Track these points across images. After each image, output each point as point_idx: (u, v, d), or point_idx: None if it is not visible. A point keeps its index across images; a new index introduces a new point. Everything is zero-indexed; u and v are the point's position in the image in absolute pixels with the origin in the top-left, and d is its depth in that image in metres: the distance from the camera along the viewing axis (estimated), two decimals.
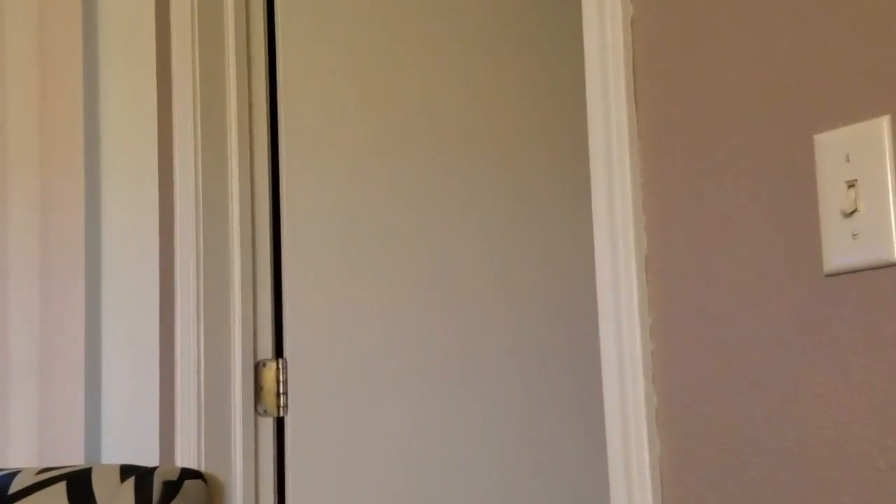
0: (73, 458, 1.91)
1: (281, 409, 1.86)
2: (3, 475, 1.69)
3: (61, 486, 1.63)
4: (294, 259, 1.88)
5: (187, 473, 1.69)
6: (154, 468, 1.67)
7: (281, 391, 1.86)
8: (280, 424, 1.87)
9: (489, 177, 2.02)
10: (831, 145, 0.98)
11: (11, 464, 2.03)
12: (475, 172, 2.01)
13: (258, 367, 1.86)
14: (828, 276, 0.98)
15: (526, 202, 2.04)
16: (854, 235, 0.95)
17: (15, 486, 1.64)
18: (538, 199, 2.05)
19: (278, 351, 1.88)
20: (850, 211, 0.96)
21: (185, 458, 1.79)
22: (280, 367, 1.86)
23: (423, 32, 2.00)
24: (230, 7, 1.88)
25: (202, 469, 1.77)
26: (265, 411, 1.85)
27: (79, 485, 1.63)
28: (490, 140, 2.02)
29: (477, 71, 2.03)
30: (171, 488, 1.63)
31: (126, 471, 1.66)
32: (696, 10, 1.11)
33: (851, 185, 0.96)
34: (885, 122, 0.93)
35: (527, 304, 2.02)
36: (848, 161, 0.96)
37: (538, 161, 2.06)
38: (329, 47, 1.93)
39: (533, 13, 2.08)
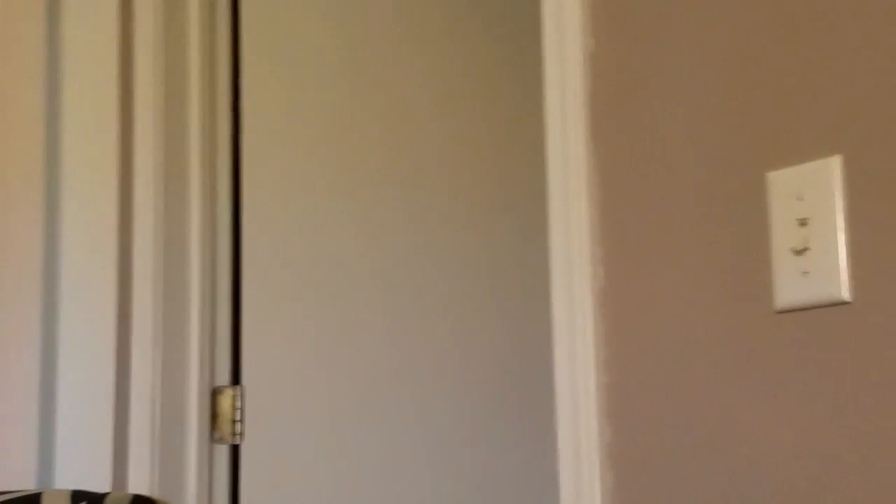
0: (25, 483, 1.88)
1: (237, 437, 1.84)
2: None
3: None
4: (253, 286, 1.87)
5: (139, 500, 1.66)
6: (105, 494, 1.64)
7: (237, 418, 1.84)
8: (235, 452, 1.85)
9: (446, 212, 2.02)
10: (784, 183, 0.99)
11: None
12: (432, 208, 2.01)
13: (214, 394, 1.84)
14: (779, 312, 0.98)
15: (483, 237, 2.04)
16: (804, 273, 0.96)
17: None
18: (495, 233, 2.06)
19: (235, 378, 1.87)
20: (801, 249, 0.97)
21: (138, 484, 1.76)
22: (237, 394, 1.84)
23: (382, 74, 2.00)
24: (195, 43, 1.88)
25: (155, 495, 1.74)
26: (220, 438, 1.83)
27: None
28: (448, 176, 2.03)
29: (435, 109, 2.04)
30: None
31: (77, 496, 1.64)
32: (654, 47, 1.12)
33: (803, 223, 0.97)
34: (836, 161, 0.95)
35: (483, 338, 2.02)
36: (800, 199, 0.97)
37: (496, 196, 2.07)
38: (291, 85, 1.94)
39: (493, 48, 2.10)
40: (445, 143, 2.04)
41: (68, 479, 1.85)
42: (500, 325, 2.03)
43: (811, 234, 0.96)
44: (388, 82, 2.00)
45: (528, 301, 2.04)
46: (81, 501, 1.62)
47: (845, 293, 0.93)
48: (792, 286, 0.97)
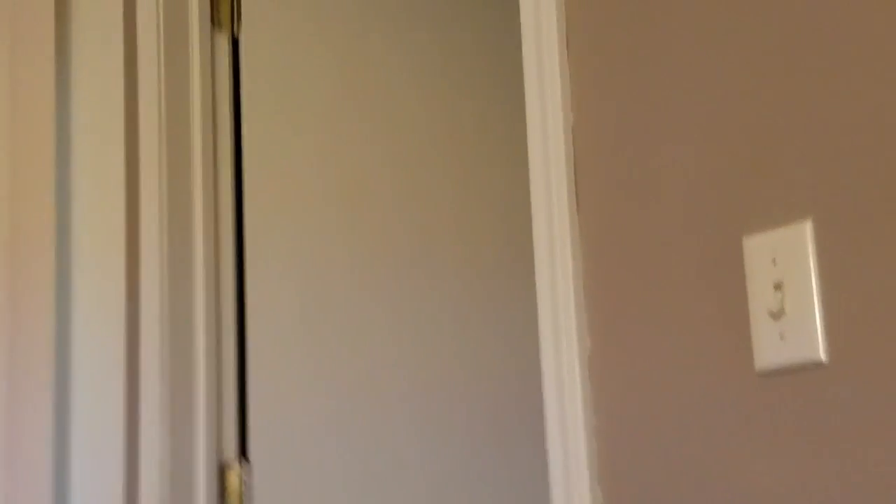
0: None
1: None
2: None
3: None
4: (259, 361, 1.89)
5: None
6: None
7: (245, 494, 1.85)
8: None
9: (450, 266, 2.05)
10: (759, 248, 1.01)
11: None
12: (436, 261, 2.04)
13: (223, 470, 1.86)
14: (759, 375, 1.00)
15: (487, 294, 2.07)
16: (782, 335, 0.98)
17: None
18: (498, 290, 2.08)
19: (243, 453, 1.88)
20: (777, 312, 0.99)
21: None
22: (244, 470, 1.86)
23: (385, 122, 2.05)
24: (196, 89, 1.92)
25: None
26: None
27: None
28: (450, 230, 2.06)
29: (440, 165, 2.08)
30: None
31: None
32: (632, 118, 1.16)
33: (778, 286, 0.99)
34: (807, 226, 0.97)
35: (487, 399, 2.03)
36: (775, 264, 0.99)
37: (499, 251, 2.10)
38: (294, 131, 1.98)
39: (490, 114, 2.14)
40: (452, 203, 2.08)
41: None
42: (510, 373, 2.05)
43: (786, 297, 0.98)
44: (390, 140, 2.05)
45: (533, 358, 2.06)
46: None
47: (821, 355, 0.94)
48: (770, 349, 0.99)
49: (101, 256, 1.93)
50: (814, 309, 0.95)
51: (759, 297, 1.00)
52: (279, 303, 1.93)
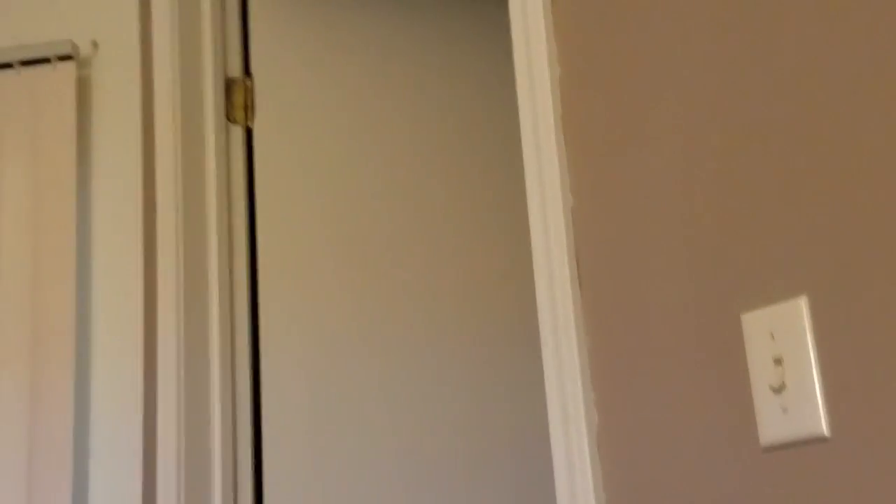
0: None
1: None
2: None
3: None
4: (272, 424, 1.91)
5: None
6: None
7: None
8: None
9: (458, 339, 2.07)
10: (757, 324, 1.03)
11: None
12: (444, 332, 2.06)
13: None
14: (764, 449, 1.01)
15: (495, 368, 2.09)
16: (784, 410, 0.99)
17: None
18: (505, 363, 2.10)
19: None
20: (778, 387, 1.00)
21: None
22: None
23: (391, 196, 2.09)
24: (212, 178, 1.97)
25: None
26: None
27: None
28: (457, 302, 2.08)
29: (446, 239, 2.11)
30: None
31: None
32: (629, 198, 1.19)
33: (778, 361, 1.01)
34: (802, 302, 0.99)
35: (496, 473, 2.03)
36: (773, 339, 1.01)
37: (506, 325, 2.12)
38: (305, 210, 2.03)
39: (496, 185, 2.17)
40: (457, 268, 2.10)
41: None
42: (518, 447, 2.05)
43: (787, 371, 0.99)
44: (397, 197, 2.08)
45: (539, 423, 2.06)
46: None
47: (824, 429, 0.96)
48: (774, 423, 1.00)
49: (120, 342, 1.97)
50: (814, 383, 0.97)
51: (761, 372, 1.02)
52: (292, 380, 1.95)
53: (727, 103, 1.08)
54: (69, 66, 2.35)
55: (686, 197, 1.12)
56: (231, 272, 1.97)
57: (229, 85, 2.03)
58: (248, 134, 2.06)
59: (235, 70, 2.04)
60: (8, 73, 2.36)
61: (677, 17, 1.15)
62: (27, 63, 2.36)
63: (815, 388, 0.97)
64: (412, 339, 2.05)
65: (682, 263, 1.12)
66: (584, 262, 1.23)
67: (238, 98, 2.03)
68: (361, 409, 1.98)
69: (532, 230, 1.26)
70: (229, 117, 2.02)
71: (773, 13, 1.03)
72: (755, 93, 1.05)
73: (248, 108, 2.03)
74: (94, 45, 2.39)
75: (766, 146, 1.04)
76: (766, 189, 1.04)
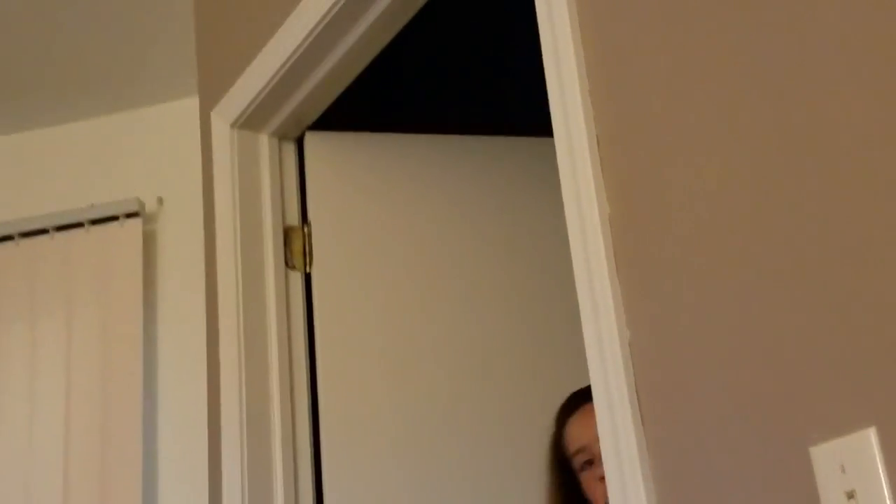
0: None
1: None
2: None
3: None
4: None
5: None
6: None
7: None
8: None
9: (510, 467, 2.03)
10: (826, 457, 1.01)
11: None
12: (500, 465, 2.03)
13: None
14: None
15: None
16: None
17: None
18: None
19: None
20: None
21: None
22: None
23: (449, 334, 2.10)
24: (272, 324, 2.00)
25: None
26: None
27: None
28: (514, 435, 2.06)
29: (504, 371, 2.10)
30: None
31: None
32: (688, 333, 1.19)
33: (851, 496, 0.98)
34: (872, 433, 0.97)
35: None
36: (844, 472, 0.99)
37: None
38: (364, 343, 2.04)
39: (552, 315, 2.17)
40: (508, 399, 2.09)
41: None
42: None
43: None
44: (454, 336, 2.09)
45: None
46: None
47: None
48: None
49: (186, 492, 1.98)
50: None
51: None
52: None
53: (781, 229, 1.09)
54: (136, 223, 2.44)
55: (747, 328, 1.12)
56: (294, 422, 1.98)
57: (288, 232, 2.08)
58: (307, 278, 2.10)
59: (293, 218, 2.10)
60: (78, 231, 2.46)
61: (721, 155, 1.17)
62: (97, 221, 2.46)
63: None
64: (474, 479, 2.03)
65: (747, 397, 1.11)
66: (645, 396, 1.22)
67: (297, 245, 2.08)
68: None
69: (591, 367, 1.26)
70: (288, 264, 2.07)
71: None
72: (808, 226, 1.06)
73: (307, 255, 2.08)
74: (160, 200, 2.49)
75: (827, 281, 1.04)
76: (831, 321, 1.03)
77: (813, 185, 1.05)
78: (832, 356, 1.02)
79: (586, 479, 1.69)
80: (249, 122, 2.06)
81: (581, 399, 1.70)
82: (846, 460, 0.99)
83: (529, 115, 1.67)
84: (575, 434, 1.72)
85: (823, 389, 1.02)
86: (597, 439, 1.24)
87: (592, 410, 1.27)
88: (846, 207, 1.02)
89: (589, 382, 1.28)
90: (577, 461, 1.71)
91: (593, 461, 1.65)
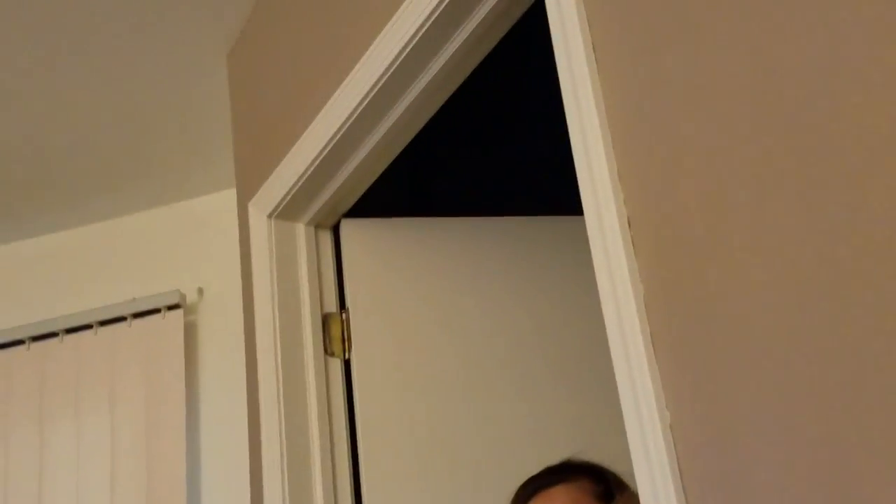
0: None
1: None
2: None
3: None
4: None
5: None
6: None
7: None
8: None
9: None
10: None
11: None
12: None
13: None
14: None
15: None
16: None
17: None
18: None
19: None
20: None
21: None
22: None
23: (486, 411, 2.09)
24: (314, 411, 2.01)
25: None
26: None
27: None
28: None
29: (543, 452, 2.09)
30: None
31: None
32: (731, 412, 1.18)
33: None
34: None
35: None
36: None
37: None
38: (407, 443, 2.04)
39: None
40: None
41: None
42: None
43: None
44: (492, 412, 2.07)
45: None
46: None
47: None
48: None
49: None
50: None
51: None
52: None
53: (832, 309, 1.09)
54: (177, 314, 2.48)
55: (789, 413, 1.11)
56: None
57: (326, 319, 2.11)
58: (347, 364, 2.11)
59: (331, 305, 2.12)
60: (121, 325, 2.50)
61: (760, 251, 1.17)
62: (139, 315, 2.50)
63: None
64: None
65: (793, 479, 1.09)
66: (689, 481, 1.21)
67: (335, 331, 2.10)
68: None
69: (633, 453, 1.25)
70: (327, 350, 2.08)
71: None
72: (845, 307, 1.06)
73: (346, 341, 2.10)
74: (200, 291, 2.53)
75: (874, 373, 1.03)
76: (879, 406, 1.02)
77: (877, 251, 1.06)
78: (876, 413, 1.01)
79: None
80: (286, 212, 2.10)
81: (534, 487, 1.71)
82: None
83: (561, 196, 1.69)
84: None
85: (890, 474, 1.01)
86: None
87: (548, 495, 1.46)
88: None
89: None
90: None
91: None
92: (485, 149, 2.48)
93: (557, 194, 1.79)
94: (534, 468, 2.08)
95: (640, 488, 1.25)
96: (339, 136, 1.90)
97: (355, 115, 1.84)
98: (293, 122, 2.08)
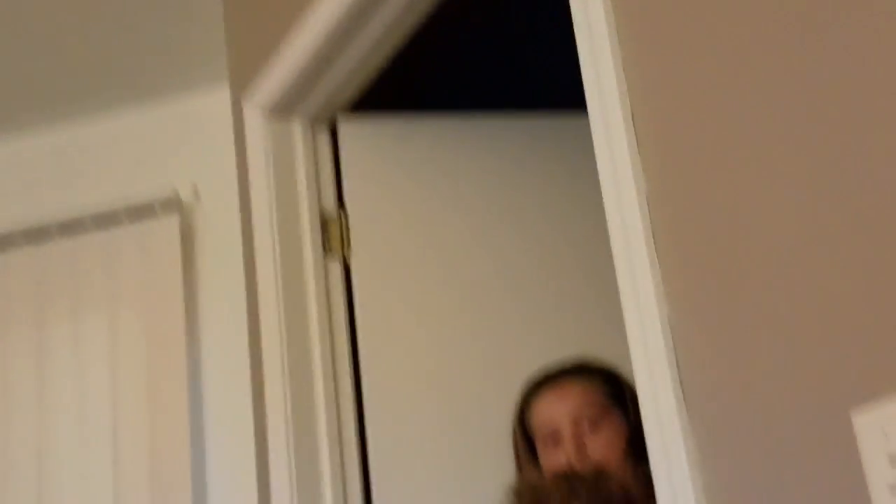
0: None
1: None
2: None
3: None
4: None
5: None
6: None
7: None
8: None
9: None
10: (868, 423, 1.01)
11: None
12: None
13: None
14: None
15: None
16: None
17: None
18: None
19: None
20: None
21: None
22: None
23: (490, 331, 2.07)
24: (313, 313, 2.01)
25: None
26: None
27: None
28: None
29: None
30: None
31: None
32: (733, 316, 1.19)
33: (893, 460, 0.98)
34: None
35: None
36: (885, 436, 0.99)
37: None
38: (406, 345, 2.04)
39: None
40: None
41: None
42: None
43: None
44: (495, 333, 2.07)
45: None
46: None
47: None
48: None
49: (234, 493, 1.99)
50: None
51: (876, 471, 0.99)
52: None
53: (826, 215, 1.09)
54: (173, 219, 2.46)
55: (791, 292, 1.12)
56: (339, 415, 1.99)
57: (325, 221, 2.09)
58: (346, 268, 2.10)
59: (330, 206, 2.11)
60: (117, 230, 2.48)
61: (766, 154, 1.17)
62: (133, 215, 2.47)
63: None
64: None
65: (786, 364, 1.11)
66: (689, 385, 1.23)
67: (334, 233, 2.09)
68: None
69: (631, 346, 1.27)
70: (326, 250, 2.08)
71: None
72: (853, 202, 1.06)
73: (344, 243, 2.09)
74: (196, 193, 2.51)
75: (868, 241, 1.04)
76: (873, 285, 1.03)
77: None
78: (874, 320, 1.02)
79: (545, 450, 1.72)
80: (284, 103, 2.05)
81: (547, 380, 1.76)
82: (887, 425, 0.99)
83: (567, 89, 1.64)
84: (544, 409, 1.74)
85: (863, 353, 1.02)
86: (562, 416, 1.64)
87: (561, 389, 1.62)
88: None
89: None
90: (541, 433, 1.73)
91: (556, 437, 1.68)
92: (489, 41, 2.42)
93: (565, 87, 1.72)
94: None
95: (638, 381, 1.27)
96: (339, 25, 1.85)
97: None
98: (289, 11, 2.01)
